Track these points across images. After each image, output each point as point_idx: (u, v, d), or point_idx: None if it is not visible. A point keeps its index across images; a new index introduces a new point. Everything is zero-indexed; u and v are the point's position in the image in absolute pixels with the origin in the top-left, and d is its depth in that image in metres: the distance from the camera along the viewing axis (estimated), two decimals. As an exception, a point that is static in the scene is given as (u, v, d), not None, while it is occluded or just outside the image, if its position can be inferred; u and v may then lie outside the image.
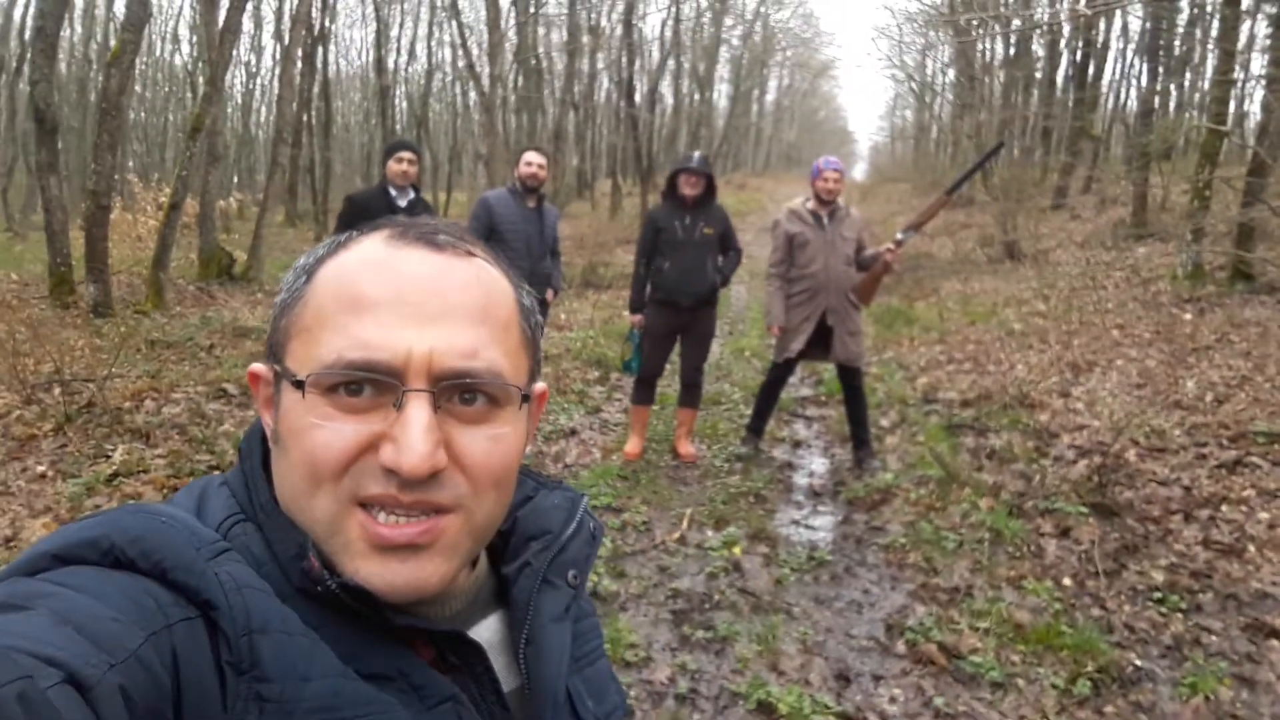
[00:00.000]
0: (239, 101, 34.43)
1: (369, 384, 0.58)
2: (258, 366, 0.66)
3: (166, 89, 34.66)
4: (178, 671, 0.50)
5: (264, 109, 35.47)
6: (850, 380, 5.33)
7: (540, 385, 0.69)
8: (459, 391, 0.60)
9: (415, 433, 0.57)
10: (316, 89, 23.31)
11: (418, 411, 0.58)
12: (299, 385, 0.59)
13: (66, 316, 8.16)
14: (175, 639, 0.51)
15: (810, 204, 5.21)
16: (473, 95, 26.54)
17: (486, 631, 0.69)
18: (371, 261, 0.61)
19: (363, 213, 4.84)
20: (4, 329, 5.88)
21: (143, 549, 0.54)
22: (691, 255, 5.15)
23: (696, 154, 5.38)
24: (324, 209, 21.54)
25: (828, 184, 5.12)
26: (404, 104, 34.02)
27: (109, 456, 4.71)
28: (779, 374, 5.52)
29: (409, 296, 0.59)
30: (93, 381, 5.62)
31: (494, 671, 0.65)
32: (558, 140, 24.42)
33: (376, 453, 0.58)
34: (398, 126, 29.97)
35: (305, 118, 22.83)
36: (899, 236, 5.04)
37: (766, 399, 5.63)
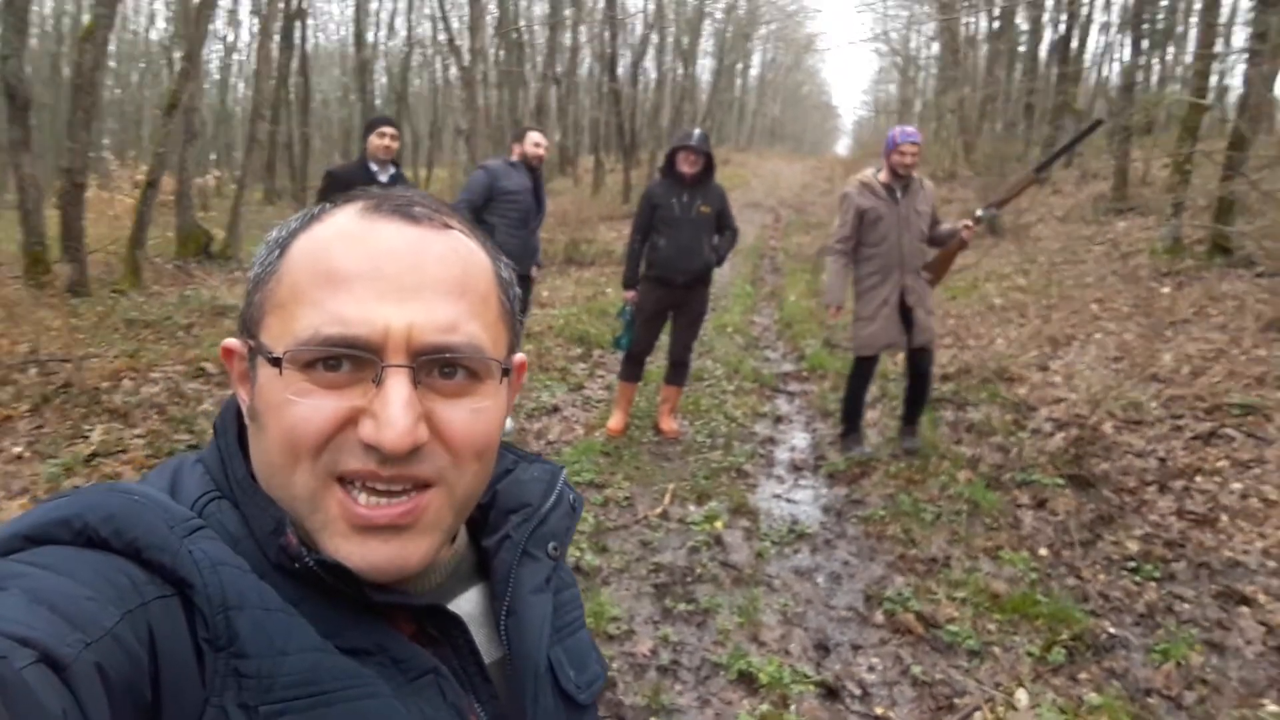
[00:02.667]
0: (216, 78, 33.95)
1: (347, 360, 0.58)
2: (231, 341, 0.65)
3: (142, 65, 34.13)
4: (155, 649, 0.50)
5: (241, 85, 35.02)
6: (923, 363, 5.04)
7: (520, 356, 0.69)
8: (438, 366, 0.60)
9: (395, 409, 0.56)
10: (295, 64, 23.02)
11: (397, 387, 0.57)
12: (275, 362, 0.58)
13: (42, 296, 8.05)
14: (151, 617, 0.51)
15: (883, 175, 4.87)
16: (453, 70, 26.27)
17: (467, 604, 0.69)
18: (346, 234, 0.60)
19: (344, 187, 4.83)
20: (-22, 309, 5.81)
21: (116, 528, 0.53)
22: (688, 233, 5.11)
23: (696, 131, 5.28)
24: (303, 186, 21.37)
25: (905, 159, 4.76)
26: (384, 79, 33.65)
27: (87, 437, 4.68)
28: (865, 369, 5.12)
29: (385, 270, 0.58)
30: (69, 361, 5.57)
31: (475, 644, 0.65)
32: (540, 116, 24.24)
33: (355, 428, 0.58)
34: (377, 102, 29.65)
35: (283, 94, 22.56)
36: (979, 214, 4.87)
37: (859, 394, 5.20)
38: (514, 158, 5.26)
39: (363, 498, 0.58)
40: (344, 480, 0.58)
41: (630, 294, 5.32)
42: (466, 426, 0.60)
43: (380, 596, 0.59)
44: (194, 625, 0.53)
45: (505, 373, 0.64)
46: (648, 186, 5.44)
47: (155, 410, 5.18)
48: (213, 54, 31.46)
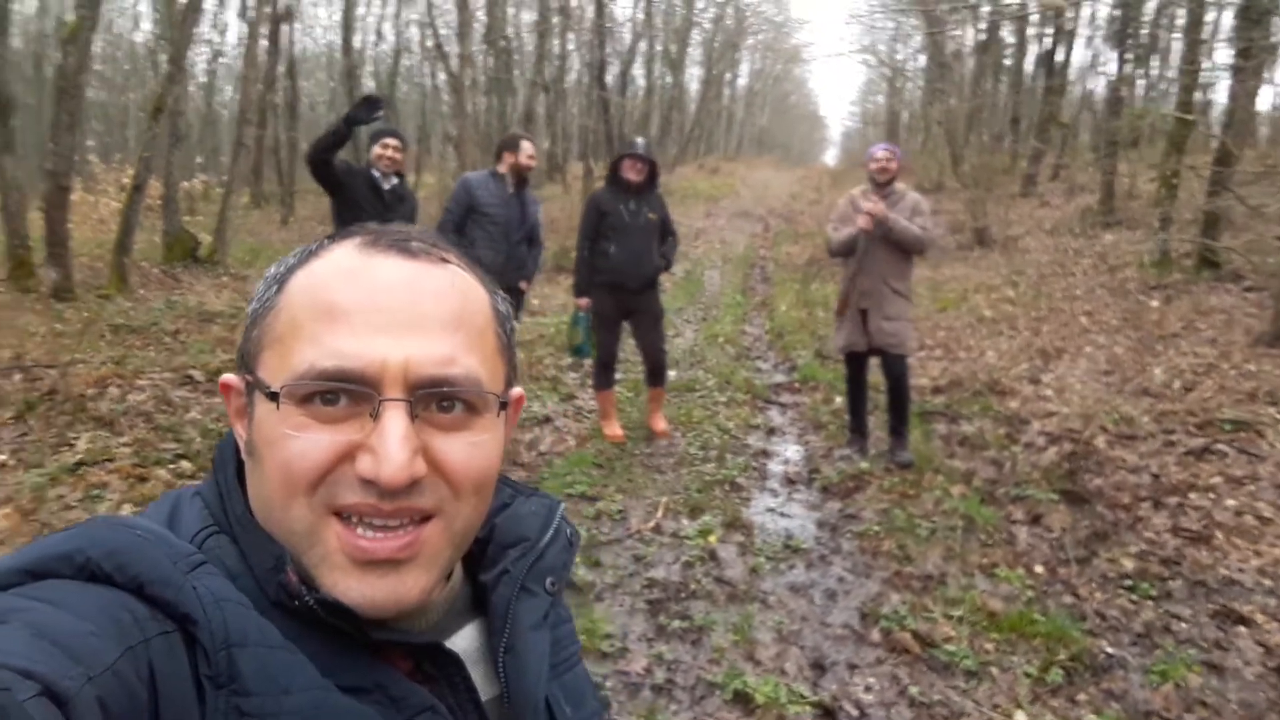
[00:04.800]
0: (203, 81, 33.74)
1: (344, 394, 0.58)
2: (229, 377, 0.66)
3: (127, 67, 33.88)
4: (155, 686, 0.50)
5: (228, 88, 34.79)
6: (889, 369, 5.15)
7: (517, 390, 0.69)
8: (436, 400, 0.60)
9: (392, 443, 0.57)
10: (282, 68, 22.90)
11: (394, 421, 0.57)
12: (273, 396, 0.58)
13: (25, 300, 7.97)
14: (152, 653, 0.51)
15: (869, 191, 5.09)
16: (441, 76, 26.23)
17: (464, 641, 0.69)
18: (344, 270, 0.61)
19: (344, 176, 4.85)
20: (-40, 314, 5.72)
21: (119, 563, 0.53)
22: (638, 239, 5.26)
23: (640, 140, 5.52)
24: (290, 190, 21.20)
25: (879, 164, 5.05)
26: (371, 84, 33.53)
27: (72, 445, 4.60)
28: (848, 369, 5.41)
29: (383, 304, 0.59)
30: (54, 368, 5.49)
31: (471, 681, 0.65)
32: (528, 122, 24.20)
33: (353, 462, 0.58)
34: (365, 107, 29.44)
35: (270, 98, 22.43)
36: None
37: (851, 395, 5.47)
38: (502, 168, 5.21)
39: (361, 530, 0.58)
40: (342, 514, 0.58)
41: (584, 301, 5.42)
42: (465, 460, 0.61)
43: (380, 635, 0.60)
44: (195, 662, 0.53)
45: (503, 406, 0.64)
46: (592, 194, 5.61)
47: (142, 418, 5.11)
48: (199, 57, 31.30)
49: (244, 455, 0.64)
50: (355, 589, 0.58)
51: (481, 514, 0.65)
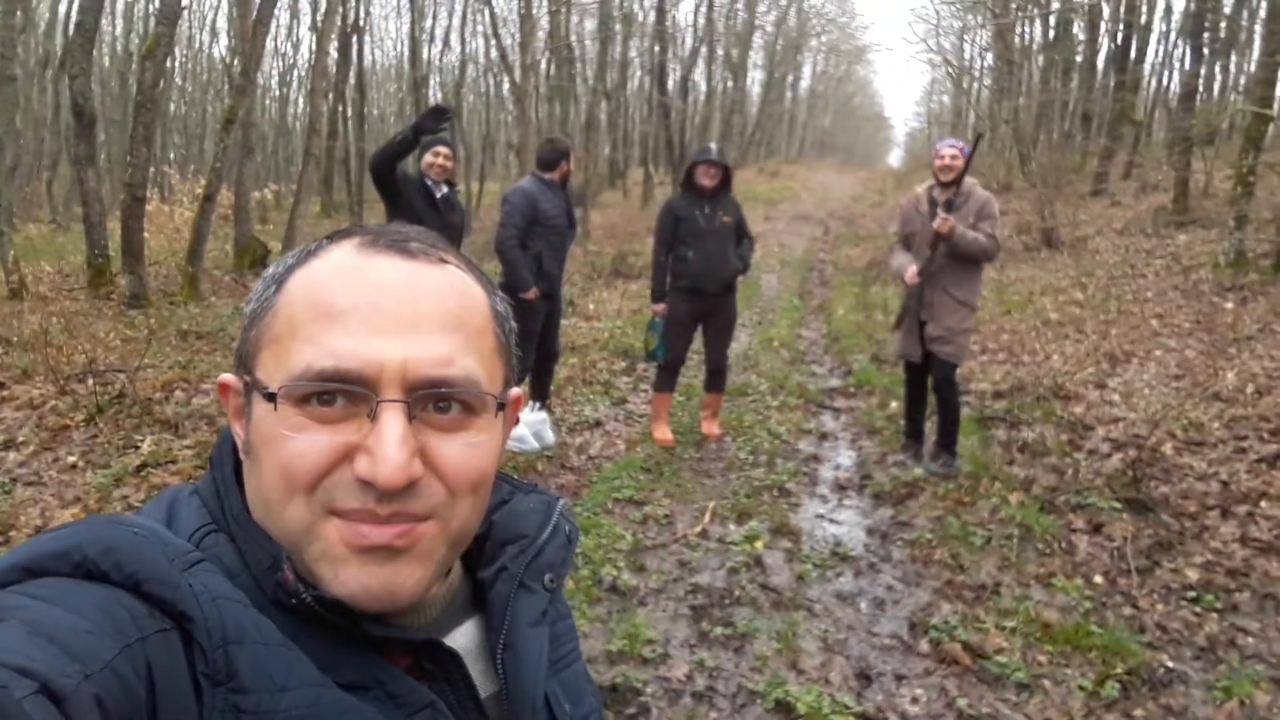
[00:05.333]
0: (277, 93, 34.78)
1: (341, 394, 0.58)
2: (227, 377, 0.66)
3: (205, 79, 35.11)
4: (152, 684, 0.50)
5: (301, 100, 35.79)
6: (934, 371, 4.95)
7: (515, 391, 0.68)
8: (434, 400, 0.59)
9: (390, 444, 0.56)
10: (352, 80, 23.47)
11: (392, 422, 0.57)
12: (270, 397, 0.58)
13: (103, 307, 8.30)
14: (149, 651, 0.51)
15: (936, 190, 4.86)
16: (505, 85, 26.58)
17: (463, 638, 0.69)
18: (342, 270, 0.60)
19: (400, 183, 4.92)
20: (39, 321, 5.97)
21: (115, 560, 0.53)
22: (714, 244, 5.26)
23: (713, 145, 5.51)
24: (359, 200, 21.72)
25: (943, 161, 4.79)
26: (438, 94, 34.19)
27: (138, 447, 4.77)
28: (906, 374, 5.29)
29: (380, 304, 0.59)
30: (124, 372, 5.70)
31: (471, 678, 0.65)
32: (589, 129, 24.38)
33: (350, 464, 0.57)
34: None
35: (340, 109, 23.02)
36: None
37: (908, 400, 5.35)
38: (555, 176, 5.22)
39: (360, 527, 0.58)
40: (339, 515, 0.58)
41: (660, 306, 5.43)
42: (462, 461, 0.60)
43: (377, 630, 0.59)
44: (192, 659, 0.52)
45: (501, 407, 0.64)
46: (667, 201, 5.59)
47: (205, 421, 5.27)
48: (273, 70, 32.29)
49: (241, 454, 0.64)
50: (353, 579, 0.58)
51: (479, 514, 0.65)
